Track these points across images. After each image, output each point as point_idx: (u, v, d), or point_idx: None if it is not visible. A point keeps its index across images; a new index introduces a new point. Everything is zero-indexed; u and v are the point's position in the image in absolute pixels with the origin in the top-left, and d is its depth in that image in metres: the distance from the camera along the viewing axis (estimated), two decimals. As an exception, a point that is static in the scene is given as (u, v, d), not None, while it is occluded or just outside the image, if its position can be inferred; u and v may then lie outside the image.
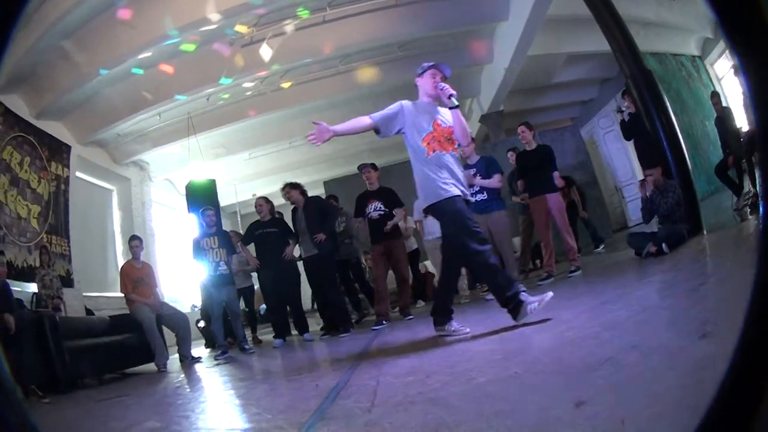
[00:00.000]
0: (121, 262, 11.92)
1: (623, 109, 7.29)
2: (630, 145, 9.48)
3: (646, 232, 6.51)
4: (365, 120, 4.24)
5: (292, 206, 7.58)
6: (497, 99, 12.87)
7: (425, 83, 4.39)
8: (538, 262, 9.48)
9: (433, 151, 4.21)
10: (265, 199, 7.79)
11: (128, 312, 7.32)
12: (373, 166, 7.48)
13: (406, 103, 4.33)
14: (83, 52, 8.66)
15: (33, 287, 7.92)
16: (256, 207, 7.74)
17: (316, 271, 7.36)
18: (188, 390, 5.09)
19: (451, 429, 1.77)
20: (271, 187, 14.25)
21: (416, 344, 4.37)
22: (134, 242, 7.61)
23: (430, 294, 9.34)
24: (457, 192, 4.15)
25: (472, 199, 5.80)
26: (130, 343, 6.95)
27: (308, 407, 2.62)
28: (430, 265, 10.07)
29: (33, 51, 8.10)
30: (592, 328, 2.94)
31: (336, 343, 6.32)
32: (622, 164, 14.24)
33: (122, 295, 7.28)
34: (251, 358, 6.91)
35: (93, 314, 9.90)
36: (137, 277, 7.31)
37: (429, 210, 4.30)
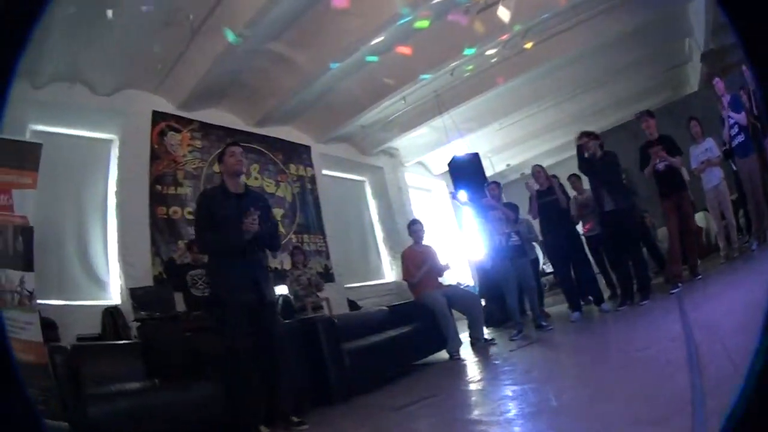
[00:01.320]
0: (383, 250, 12.33)
1: None
2: None
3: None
4: None
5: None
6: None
7: None
8: None
9: None
10: (541, 167, 7.36)
11: (410, 300, 7.01)
12: (650, 113, 6.89)
13: None
14: (301, 51, 8.40)
15: (283, 290, 7.93)
16: (534, 174, 7.27)
17: (615, 228, 6.66)
18: (507, 380, 4.28)
19: None
20: (524, 155, 14.04)
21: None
22: (415, 226, 7.31)
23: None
24: None
25: None
26: (417, 333, 6.28)
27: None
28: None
29: (224, 63, 7.92)
30: None
31: (641, 312, 5.73)
32: None
33: (393, 280, 6.83)
34: (552, 335, 6.34)
35: (357, 306, 10.00)
36: (421, 261, 6.92)
37: None
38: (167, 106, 8.64)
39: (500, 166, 14.11)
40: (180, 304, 6.70)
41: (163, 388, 4.07)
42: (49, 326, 5.34)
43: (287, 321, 5.18)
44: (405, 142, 12.52)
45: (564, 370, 4.47)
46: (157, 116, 8.46)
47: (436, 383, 5.02)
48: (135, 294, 6.22)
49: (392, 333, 6.01)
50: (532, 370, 4.55)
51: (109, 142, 8.17)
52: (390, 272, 12.13)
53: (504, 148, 13.81)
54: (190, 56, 7.60)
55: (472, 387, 4.55)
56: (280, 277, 8.56)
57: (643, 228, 7.89)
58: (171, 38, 7.16)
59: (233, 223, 3.93)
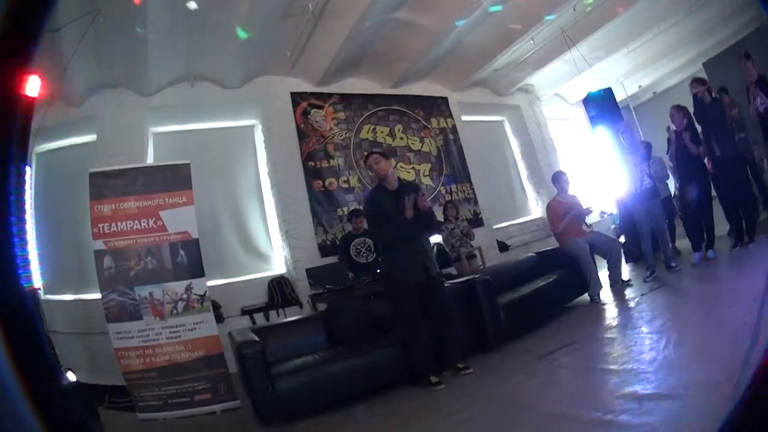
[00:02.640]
0: (528, 187, 12.44)
1: None
2: None
3: None
4: None
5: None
6: None
7: None
8: None
9: None
10: (678, 107, 7.04)
11: (556, 247, 7.29)
12: (747, 55, 6.66)
13: None
14: (426, 15, 8.55)
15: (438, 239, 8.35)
16: (670, 116, 7.07)
17: (724, 174, 6.67)
18: (635, 328, 4.85)
19: None
20: (653, 75, 13.33)
21: None
22: (561, 178, 7.43)
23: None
24: None
25: None
26: (562, 280, 6.63)
27: None
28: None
29: (353, 39, 8.28)
30: None
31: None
32: None
33: (540, 216, 7.23)
34: (679, 278, 6.54)
35: (506, 246, 10.49)
36: (565, 211, 7.08)
37: None
38: (304, 86, 9.28)
39: (632, 89, 13.52)
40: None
41: (346, 354, 4.85)
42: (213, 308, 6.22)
43: (451, 282, 5.68)
44: (539, 78, 12.30)
45: (680, 319, 4.89)
46: (296, 97, 9.13)
47: (577, 330, 5.43)
48: (311, 272, 7.09)
49: (540, 283, 6.44)
50: (655, 318, 4.99)
51: (251, 127, 9.02)
52: (536, 208, 12.21)
53: (634, 71, 13.04)
54: (317, 39, 8.02)
55: (608, 335, 5.03)
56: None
57: (751, 162, 7.49)
58: (294, 27, 7.61)
59: (395, 214, 4.75)
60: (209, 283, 6.48)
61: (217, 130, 8.79)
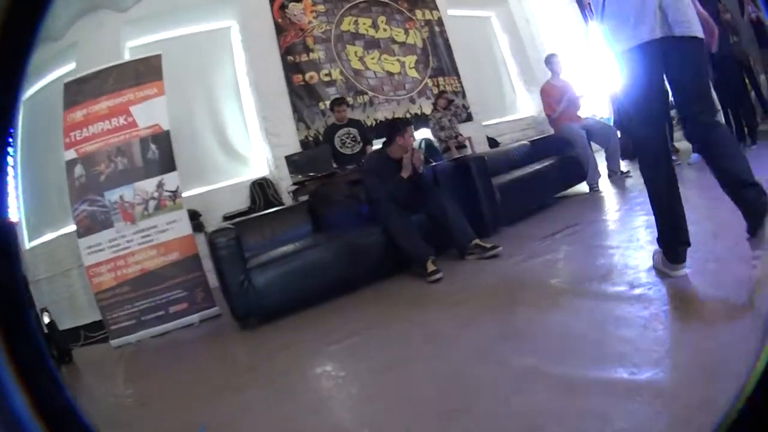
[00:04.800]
0: (518, 84, 11.84)
1: None
2: None
3: None
4: None
5: None
6: None
7: None
8: None
9: None
10: None
11: (550, 134, 7.07)
12: None
13: None
14: None
15: (426, 134, 8.18)
16: None
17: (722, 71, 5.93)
18: (641, 211, 4.19)
19: None
20: None
21: None
22: (552, 59, 7.02)
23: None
24: None
25: None
26: (558, 166, 6.25)
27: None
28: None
29: None
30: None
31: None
32: None
33: (530, 114, 6.76)
34: (685, 170, 5.81)
35: (497, 142, 9.95)
36: (559, 95, 6.67)
37: None
38: None
39: None
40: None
41: (329, 240, 4.40)
42: (191, 216, 5.76)
43: (442, 162, 5.44)
44: None
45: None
46: None
47: (578, 214, 5.06)
48: (291, 160, 6.39)
49: (536, 166, 6.05)
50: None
51: (227, 29, 8.35)
52: (526, 106, 11.78)
53: None
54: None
55: (610, 217, 4.71)
56: (422, 121, 8.73)
57: (748, 72, 7.06)
58: None
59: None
60: (188, 193, 6.17)
61: (193, 36, 8.12)
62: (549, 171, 6.05)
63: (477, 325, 2.73)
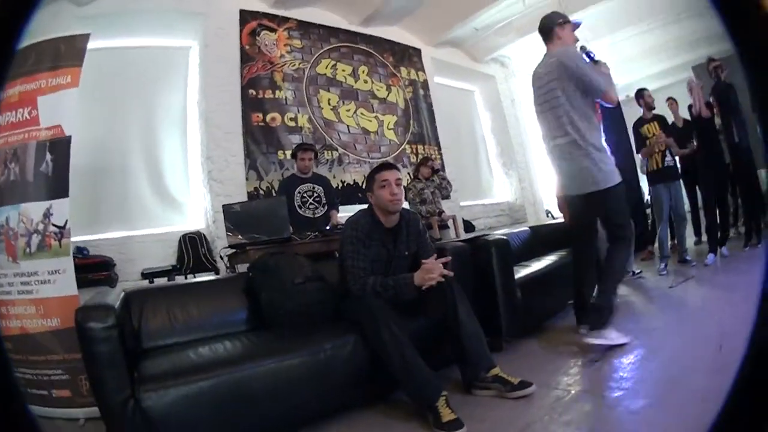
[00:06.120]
0: (496, 167, 11.37)
1: None
2: None
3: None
4: None
5: None
6: None
7: (568, 36, 3.56)
8: None
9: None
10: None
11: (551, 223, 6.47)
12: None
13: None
14: None
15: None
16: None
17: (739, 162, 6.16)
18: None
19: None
20: (630, 76, 11.70)
21: None
22: None
23: None
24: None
25: None
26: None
27: None
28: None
29: None
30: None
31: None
32: None
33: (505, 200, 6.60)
34: (703, 273, 5.43)
35: (473, 226, 9.21)
36: None
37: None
38: (257, 5, 7.62)
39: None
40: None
41: (277, 346, 2.72)
42: (100, 266, 4.34)
43: (450, 243, 4.06)
44: (518, 52, 11.06)
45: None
46: (246, 15, 7.43)
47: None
48: (230, 211, 4.29)
49: (553, 260, 4.78)
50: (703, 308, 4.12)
51: (186, 49, 7.25)
52: (503, 191, 11.16)
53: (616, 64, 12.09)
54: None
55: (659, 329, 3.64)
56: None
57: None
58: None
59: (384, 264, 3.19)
60: (106, 236, 5.08)
61: (147, 49, 6.96)
62: (565, 266, 4.54)
63: None
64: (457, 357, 2.85)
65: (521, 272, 4.08)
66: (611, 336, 3.21)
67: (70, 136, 3.57)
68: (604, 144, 3.51)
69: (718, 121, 6.16)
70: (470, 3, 8.91)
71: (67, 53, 3.79)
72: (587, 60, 3.46)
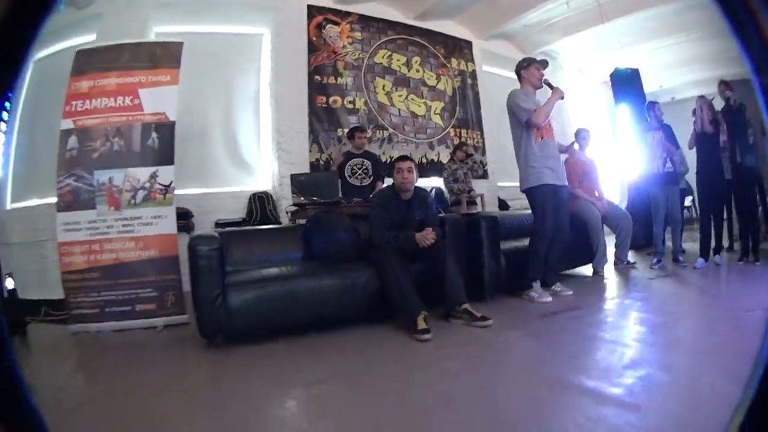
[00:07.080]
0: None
1: None
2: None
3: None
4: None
5: None
6: None
7: (532, 75, 4.84)
8: None
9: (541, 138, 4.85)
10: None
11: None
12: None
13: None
14: None
15: (438, 182, 8.12)
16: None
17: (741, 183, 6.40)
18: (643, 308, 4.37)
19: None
20: (676, 80, 12.80)
21: None
22: (582, 134, 6.70)
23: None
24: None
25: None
26: (568, 244, 5.70)
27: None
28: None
29: None
30: None
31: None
32: None
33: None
34: (686, 272, 5.96)
35: (507, 205, 9.85)
36: (582, 171, 6.46)
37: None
38: (323, 1, 8.56)
39: (653, 86, 12.68)
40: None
41: (317, 270, 4.05)
42: (181, 216, 5.51)
43: (450, 215, 5.21)
44: (565, 47, 11.63)
45: (690, 312, 4.34)
46: (313, 9, 8.39)
47: (581, 297, 4.75)
48: (297, 179, 5.77)
49: None
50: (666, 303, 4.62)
51: (260, 36, 8.16)
52: None
53: (658, 69, 12.34)
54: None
55: (612, 307, 4.52)
56: (437, 169, 8.65)
57: (760, 189, 6.94)
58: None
59: (400, 225, 4.31)
60: (183, 191, 5.95)
61: (223, 36, 7.93)
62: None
63: (455, 404, 2.38)
64: (440, 293, 4.02)
65: (513, 244, 5.20)
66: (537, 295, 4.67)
67: (174, 122, 4.94)
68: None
69: (723, 138, 6.41)
70: (520, 3, 9.51)
71: (164, 56, 5.06)
72: (549, 87, 4.76)
